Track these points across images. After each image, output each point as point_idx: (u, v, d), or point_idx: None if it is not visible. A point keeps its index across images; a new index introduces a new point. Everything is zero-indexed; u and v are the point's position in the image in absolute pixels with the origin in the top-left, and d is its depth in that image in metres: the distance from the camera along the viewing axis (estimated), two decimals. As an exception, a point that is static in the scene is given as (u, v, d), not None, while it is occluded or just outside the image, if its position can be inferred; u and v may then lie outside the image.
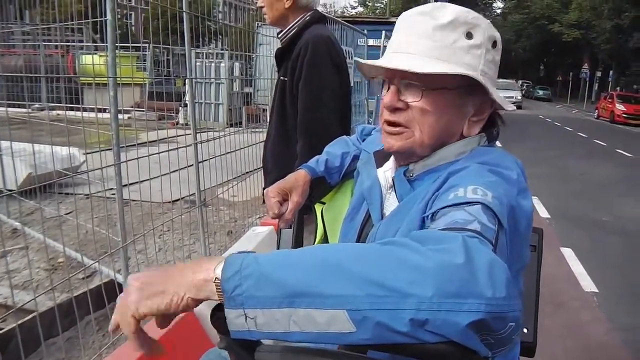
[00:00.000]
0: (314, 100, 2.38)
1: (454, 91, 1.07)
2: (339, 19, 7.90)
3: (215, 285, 0.75)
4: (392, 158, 1.24)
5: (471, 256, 0.69)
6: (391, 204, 1.18)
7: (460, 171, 1.01)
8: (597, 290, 4.66)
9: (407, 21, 1.12)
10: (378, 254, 0.72)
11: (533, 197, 6.58)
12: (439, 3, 1.13)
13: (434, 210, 0.92)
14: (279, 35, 2.57)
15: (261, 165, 2.80)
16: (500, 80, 16.51)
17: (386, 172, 1.23)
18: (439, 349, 0.67)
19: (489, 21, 1.12)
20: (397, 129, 1.11)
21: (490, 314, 0.66)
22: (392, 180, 1.18)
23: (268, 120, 2.91)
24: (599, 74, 41.65)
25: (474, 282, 0.67)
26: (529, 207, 0.99)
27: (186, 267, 0.79)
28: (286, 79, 2.48)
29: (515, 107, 1.19)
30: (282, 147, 2.52)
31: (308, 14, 2.50)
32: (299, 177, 1.47)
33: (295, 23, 2.49)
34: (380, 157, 1.26)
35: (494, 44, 1.11)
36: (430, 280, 0.66)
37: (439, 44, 1.06)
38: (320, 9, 2.65)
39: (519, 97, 32.06)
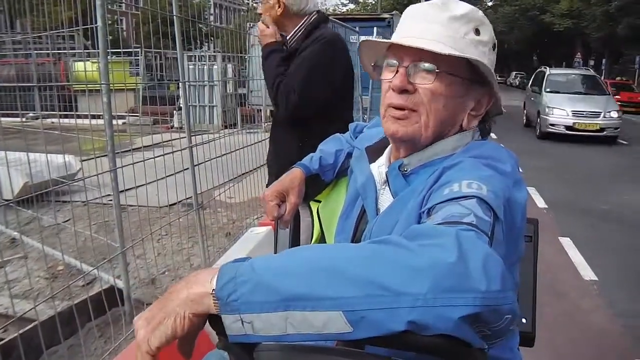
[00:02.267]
0: (305, 72, 2.42)
1: (463, 80, 1.10)
2: (330, 17, 7.90)
3: (213, 297, 0.75)
4: (384, 153, 1.25)
5: (464, 251, 0.70)
6: (385, 199, 1.18)
7: (454, 166, 1.02)
8: (596, 279, 4.67)
9: (420, 11, 1.13)
10: (371, 253, 0.73)
11: (530, 187, 6.61)
12: None
13: (430, 206, 0.93)
14: (287, 39, 2.60)
15: (256, 166, 2.83)
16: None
17: (380, 167, 1.24)
18: (435, 342, 0.68)
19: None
20: (403, 112, 1.11)
21: (485, 307, 0.67)
22: (386, 175, 1.19)
23: (263, 120, 2.96)
24: (592, 62, 41.69)
25: (468, 277, 0.67)
26: (524, 199, 1.00)
27: (182, 285, 0.79)
28: None
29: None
30: (295, 146, 2.55)
31: (313, 16, 2.56)
32: (294, 177, 1.48)
33: (302, 26, 2.55)
34: (373, 153, 1.27)
35: (494, 46, 1.15)
36: (424, 277, 0.67)
37: (452, 34, 1.08)
38: None
39: (615, 117, 14.46)
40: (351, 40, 9.41)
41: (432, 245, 0.71)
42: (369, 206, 1.23)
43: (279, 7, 2.49)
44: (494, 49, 1.14)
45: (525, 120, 17.13)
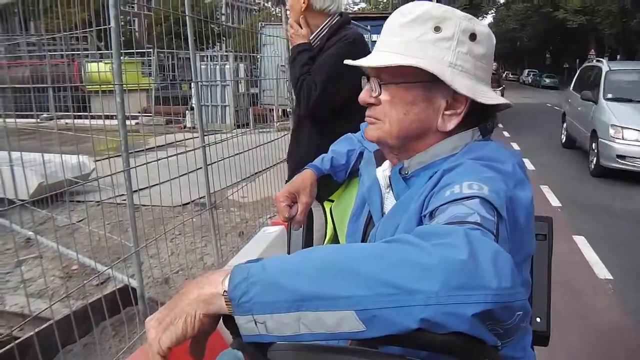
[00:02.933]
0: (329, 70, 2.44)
1: (417, 84, 1.09)
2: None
3: (224, 298, 0.75)
4: None
5: (474, 248, 0.70)
6: (390, 202, 1.19)
7: (454, 168, 1.01)
8: (611, 277, 4.63)
9: (387, 23, 1.16)
10: (383, 252, 0.73)
11: (543, 185, 6.55)
12: (417, 1, 1.15)
13: (432, 209, 0.93)
14: (311, 39, 2.61)
15: (269, 165, 2.85)
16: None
17: (385, 170, 1.25)
18: (448, 340, 0.68)
19: (468, 15, 1.12)
20: (373, 120, 1.16)
21: (497, 304, 0.67)
22: (389, 179, 1.19)
23: (275, 119, 2.98)
24: (605, 59, 41.26)
25: (480, 274, 0.67)
26: (528, 198, 0.99)
27: (193, 285, 0.79)
28: None
29: (501, 98, 1.15)
30: (314, 144, 2.56)
31: (336, 17, 2.58)
32: (305, 178, 1.49)
33: (326, 26, 2.57)
34: (380, 156, 1.28)
35: (472, 37, 1.10)
36: (436, 275, 0.67)
37: (403, 39, 1.10)
38: None
39: None
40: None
41: (443, 244, 0.71)
42: (374, 210, 1.24)
43: (304, 1, 2.51)
44: (472, 40, 1.10)
45: (565, 139, 11.85)
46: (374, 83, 1.14)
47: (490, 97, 1.11)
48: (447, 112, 1.11)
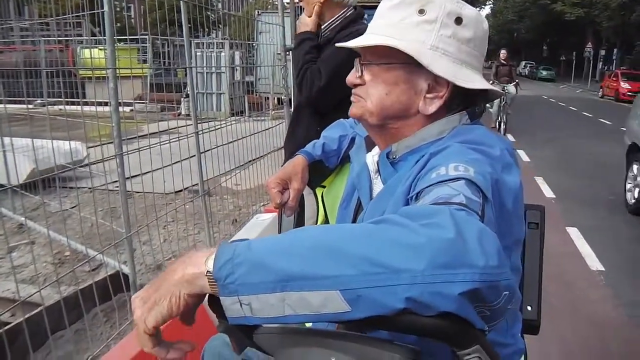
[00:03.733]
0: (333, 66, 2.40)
1: (398, 65, 1.09)
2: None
3: (208, 278, 0.75)
4: None
5: (460, 228, 0.69)
6: (379, 187, 1.19)
7: (441, 151, 1.01)
8: (603, 269, 4.65)
9: (378, 7, 1.17)
10: (369, 232, 0.72)
11: (537, 177, 6.54)
12: None
13: (418, 191, 0.92)
14: (322, 29, 2.58)
15: (263, 153, 2.84)
16: None
17: (374, 156, 1.24)
18: (436, 324, 0.67)
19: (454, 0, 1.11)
20: (356, 97, 1.18)
21: (484, 282, 0.66)
22: (377, 164, 1.19)
23: (270, 107, 2.97)
24: (602, 52, 41.26)
25: (466, 253, 0.66)
26: (515, 182, 0.99)
27: (178, 265, 0.79)
28: None
29: (485, 83, 1.13)
30: (313, 130, 2.55)
31: (350, 10, 2.55)
32: (296, 164, 1.48)
33: (339, 18, 2.54)
34: (371, 142, 1.27)
35: (458, 20, 1.09)
36: (422, 254, 0.66)
37: (388, 22, 1.12)
38: None
39: None
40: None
41: (430, 223, 0.70)
42: (363, 195, 1.23)
43: None
44: (458, 23, 1.09)
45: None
46: (357, 63, 1.15)
47: (473, 81, 1.09)
48: (428, 95, 1.10)
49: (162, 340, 0.81)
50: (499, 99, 11.76)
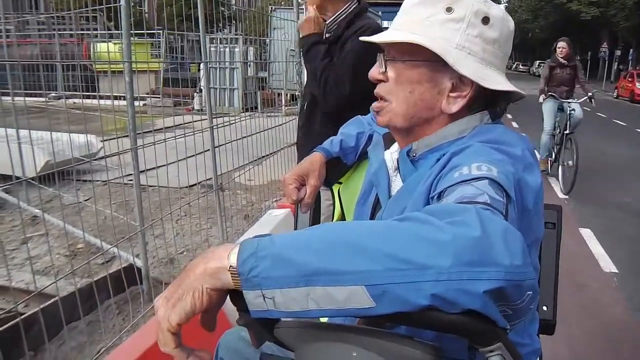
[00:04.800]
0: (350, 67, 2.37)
1: (423, 63, 1.08)
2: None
3: (231, 272, 0.75)
4: None
5: (486, 226, 0.69)
6: (397, 185, 1.19)
7: (463, 151, 1.00)
8: (616, 271, 4.62)
9: (403, 3, 1.16)
10: (394, 229, 0.72)
11: (550, 177, 6.46)
12: None
13: (441, 190, 0.92)
14: (327, 24, 2.53)
15: (276, 149, 2.83)
16: None
17: (393, 153, 1.23)
18: (459, 320, 0.67)
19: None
20: (379, 103, 1.16)
21: (509, 281, 0.66)
22: (397, 161, 1.19)
23: (283, 103, 2.95)
24: (618, 52, 40.83)
25: (492, 251, 0.67)
26: (537, 182, 0.98)
27: (199, 260, 0.79)
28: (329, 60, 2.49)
29: (509, 84, 1.11)
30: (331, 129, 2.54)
31: (354, 4, 2.50)
32: (314, 161, 1.48)
33: (344, 12, 2.49)
34: (388, 139, 1.26)
35: (485, 20, 1.08)
36: (448, 251, 0.66)
37: (414, 18, 1.10)
38: None
39: None
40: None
41: (456, 221, 0.70)
42: (381, 193, 1.23)
43: None
44: (485, 23, 1.08)
45: None
46: (381, 59, 1.14)
47: (497, 82, 1.08)
48: (452, 94, 1.09)
49: (182, 344, 0.80)
50: (551, 122, 7.60)
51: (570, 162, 6.94)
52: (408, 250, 0.68)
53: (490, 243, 0.67)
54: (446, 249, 0.66)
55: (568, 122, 7.27)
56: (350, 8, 2.48)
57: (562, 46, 7.50)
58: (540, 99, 7.67)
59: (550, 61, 7.67)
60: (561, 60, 7.47)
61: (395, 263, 0.67)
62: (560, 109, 7.54)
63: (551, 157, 7.86)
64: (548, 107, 7.63)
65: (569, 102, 7.40)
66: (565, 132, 7.27)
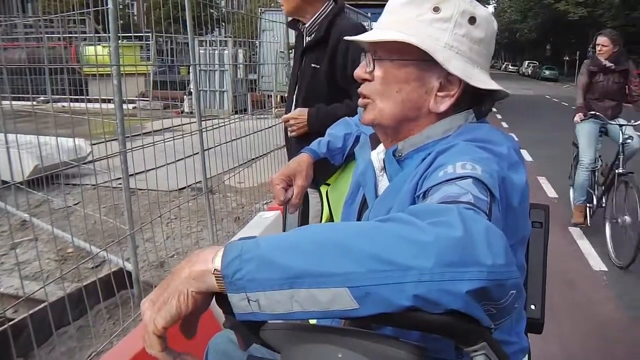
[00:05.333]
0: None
1: (410, 62, 1.09)
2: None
3: (215, 275, 0.75)
4: None
5: (468, 226, 0.69)
6: (384, 185, 1.19)
7: (448, 150, 1.00)
8: (606, 269, 4.64)
9: (388, 3, 1.16)
10: (377, 230, 0.72)
11: (540, 177, 6.49)
12: None
13: (426, 189, 0.92)
14: (306, 27, 2.54)
15: (266, 151, 2.83)
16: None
17: (379, 153, 1.24)
18: (442, 321, 0.67)
19: None
20: (365, 100, 1.16)
21: (491, 281, 0.66)
22: (383, 161, 1.19)
23: (273, 105, 2.95)
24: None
25: (474, 251, 0.67)
26: (522, 181, 0.99)
27: (185, 263, 0.79)
28: (318, 66, 2.49)
29: (495, 84, 1.12)
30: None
31: (331, 5, 2.51)
32: (301, 161, 1.49)
33: (322, 12, 2.49)
34: (375, 140, 1.27)
35: (472, 20, 1.09)
36: (431, 251, 0.66)
37: (400, 18, 1.10)
38: None
39: None
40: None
41: (438, 222, 0.70)
42: (368, 193, 1.23)
43: None
44: (471, 23, 1.09)
45: None
46: (368, 58, 1.14)
47: (483, 81, 1.09)
48: (439, 94, 1.10)
49: (169, 347, 0.80)
50: (591, 152, 5.33)
51: (628, 219, 4.58)
52: (390, 251, 0.68)
53: (473, 243, 0.67)
54: (428, 250, 0.67)
55: (620, 156, 4.90)
56: (328, 8, 2.49)
57: (602, 42, 5.11)
58: (577, 119, 5.24)
59: (590, 64, 5.26)
60: (604, 62, 5.11)
61: (378, 264, 0.67)
62: (604, 132, 5.36)
63: (591, 203, 5.47)
64: (586, 131, 5.29)
65: (620, 125, 5.00)
66: (617, 170, 4.87)
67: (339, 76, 2.44)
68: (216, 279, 0.75)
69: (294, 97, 2.65)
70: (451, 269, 0.66)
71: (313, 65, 2.52)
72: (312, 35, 2.53)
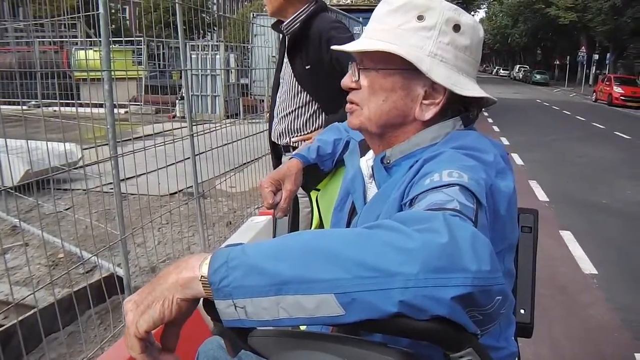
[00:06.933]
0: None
1: (396, 72, 1.10)
2: (334, 7, 7.89)
3: (202, 282, 0.75)
4: None
5: (454, 233, 0.70)
6: (372, 192, 1.19)
7: (435, 157, 1.01)
8: (596, 272, 4.67)
9: (375, 10, 1.17)
10: (363, 236, 0.72)
11: (531, 180, 6.55)
12: None
13: (412, 197, 0.93)
14: (283, 26, 2.61)
15: (258, 156, 2.84)
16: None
17: (368, 160, 1.25)
18: (427, 327, 0.67)
19: (454, 6, 1.12)
20: (352, 106, 1.17)
21: (476, 287, 0.66)
22: (372, 168, 1.20)
23: (265, 110, 2.98)
24: (596, 56, 41.41)
25: (459, 257, 0.67)
26: (509, 188, 0.99)
27: (172, 269, 0.79)
28: (309, 66, 2.55)
29: (481, 91, 1.13)
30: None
31: (312, 3, 2.57)
32: (291, 166, 1.49)
33: (302, 12, 2.56)
34: (364, 146, 1.28)
35: (456, 27, 1.10)
36: (416, 257, 0.67)
37: (385, 27, 1.11)
38: None
39: None
40: (355, 31, 9.41)
41: (424, 228, 0.71)
42: (357, 200, 1.24)
43: None
44: (456, 31, 1.10)
45: None
46: (354, 67, 1.15)
47: (469, 89, 1.10)
48: (425, 102, 1.11)
49: (153, 347, 0.80)
50: None
51: None
52: (376, 257, 0.68)
53: (458, 249, 0.68)
54: (414, 256, 0.67)
55: None
56: (309, 8, 2.57)
57: None
58: None
59: None
60: None
61: (364, 271, 0.67)
62: None
63: None
64: None
65: None
66: None
67: (331, 69, 2.49)
68: (203, 286, 0.75)
69: (277, 97, 2.75)
70: (437, 275, 0.66)
71: (306, 67, 2.57)
72: (289, 34, 2.60)
